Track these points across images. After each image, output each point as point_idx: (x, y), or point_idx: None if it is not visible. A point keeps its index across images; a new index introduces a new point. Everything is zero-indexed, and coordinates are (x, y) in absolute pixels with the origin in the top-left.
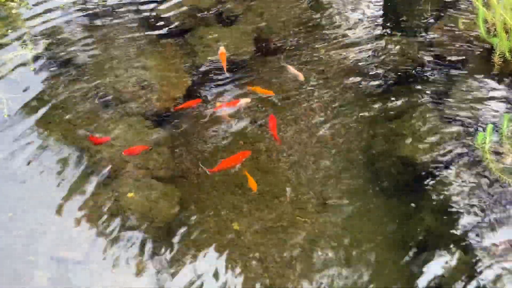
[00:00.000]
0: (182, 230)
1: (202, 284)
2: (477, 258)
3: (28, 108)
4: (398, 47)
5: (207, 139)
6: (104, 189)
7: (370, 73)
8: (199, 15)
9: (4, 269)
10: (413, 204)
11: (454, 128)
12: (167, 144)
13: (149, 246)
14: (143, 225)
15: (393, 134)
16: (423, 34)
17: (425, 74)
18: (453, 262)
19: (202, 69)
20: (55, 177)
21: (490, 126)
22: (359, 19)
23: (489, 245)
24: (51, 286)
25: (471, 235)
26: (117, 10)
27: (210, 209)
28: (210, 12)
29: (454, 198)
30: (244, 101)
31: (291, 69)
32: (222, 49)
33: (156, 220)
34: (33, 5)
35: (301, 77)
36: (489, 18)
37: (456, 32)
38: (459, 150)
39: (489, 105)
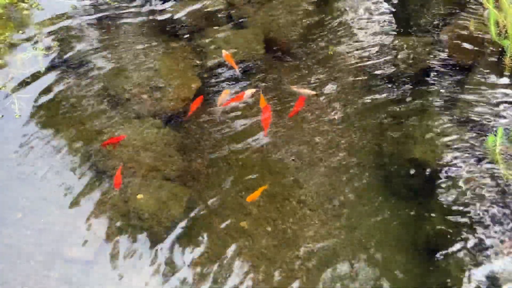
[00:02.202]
0: (191, 231)
1: (210, 285)
2: (486, 258)
3: (39, 109)
4: (409, 49)
5: (216, 138)
6: (114, 189)
7: (380, 75)
8: (209, 16)
9: (13, 269)
10: (423, 206)
11: (465, 131)
12: (176, 144)
13: (157, 246)
14: (151, 225)
15: (404, 136)
16: (434, 35)
17: (435, 76)
18: (462, 263)
19: (212, 70)
20: (65, 177)
21: (500, 129)
22: (369, 21)
23: (498, 245)
24: (60, 286)
25: (481, 236)
26: (127, 11)
27: (219, 210)
28: (220, 14)
29: (464, 200)
30: (250, 92)
31: (300, 90)
32: (225, 52)
33: (165, 221)
34: (44, 6)
35: (311, 93)
36: (500, 20)
37: (467, 34)
38: (469, 153)
39: (500, 108)
